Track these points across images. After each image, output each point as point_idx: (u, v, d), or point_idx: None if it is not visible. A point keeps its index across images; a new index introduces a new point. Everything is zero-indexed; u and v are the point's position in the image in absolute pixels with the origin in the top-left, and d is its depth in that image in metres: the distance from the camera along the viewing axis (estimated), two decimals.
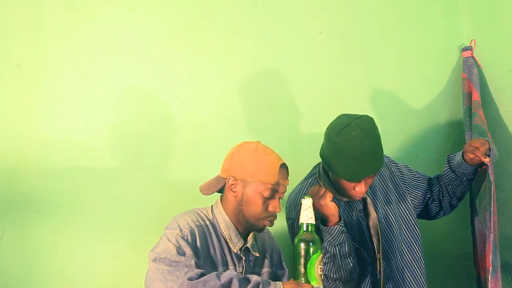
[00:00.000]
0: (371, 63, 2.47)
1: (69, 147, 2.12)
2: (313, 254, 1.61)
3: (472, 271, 2.27)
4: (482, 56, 2.43)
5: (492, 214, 1.91)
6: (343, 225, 1.81)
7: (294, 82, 2.38)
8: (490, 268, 1.85)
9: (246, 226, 1.74)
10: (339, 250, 1.80)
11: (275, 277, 1.86)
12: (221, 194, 1.80)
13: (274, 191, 1.70)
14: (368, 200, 1.94)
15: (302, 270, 1.60)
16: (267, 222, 1.72)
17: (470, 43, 2.47)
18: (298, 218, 1.82)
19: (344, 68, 2.44)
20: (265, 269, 1.81)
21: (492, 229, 1.90)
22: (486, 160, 1.90)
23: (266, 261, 1.83)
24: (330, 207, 1.77)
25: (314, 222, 1.65)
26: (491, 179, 1.92)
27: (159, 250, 1.59)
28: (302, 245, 1.61)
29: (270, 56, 2.36)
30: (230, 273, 1.57)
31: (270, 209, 1.70)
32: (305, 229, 1.64)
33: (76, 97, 2.14)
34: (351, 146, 1.73)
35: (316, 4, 2.43)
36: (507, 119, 2.29)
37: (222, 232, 1.73)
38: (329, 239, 1.79)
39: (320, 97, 2.40)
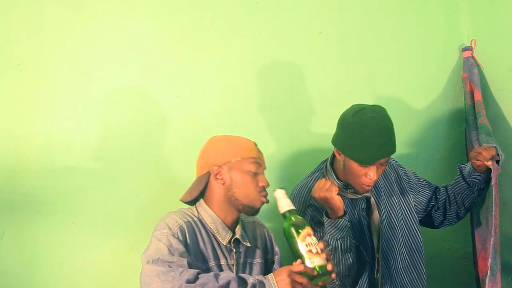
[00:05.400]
0: (371, 63, 2.47)
1: (69, 147, 2.12)
2: (298, 234, 1.61)
3: (472, 271, 2.27)
4: (482, 56, 2.43)
5: (493, 218, 1.91)
6: (347, 219, 1.81)
7: (294, 82, 2.38)
8: (489, 271, 1.85)
9: (243, 210, 1.74)
10: (341, 244, 1.81)
11: (271, 263, 1.86)
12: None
13: (258, 165, 1.73)
14: (372, 200, 1.94)
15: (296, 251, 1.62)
16: (262, 198, 1.72)
17: (470, 43, 2.47)
18: (302, 211, 1.83)
19: (344, 68, 2.44)
20: (257, 260, 1.80)
21: (493, 233, 1.90)
22: (489, 163, 1.91)
23: (258, 251, 1.82)
24: (336, 200, 1.78)
25: (293, 207, 1.66)
26: (492, 183, 1.92)
27: (150, 252, 1.58)
28: (292, 229, 1.61)
29: (270, 56, 2.36)
30: (228, 274, 1.56)
31: (260, 183, 1.72)
32: (288, 216, 1.64)
33: (76, 97, 2.14)
34: (366, 126, 1.76)
35: (316, 4, 2.43)
36: (507, 119, 2.29)
37: (209, 226, 1.73)
38: (332, 232, 1.80)
39: (320, 97, 2.40)
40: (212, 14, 2.30)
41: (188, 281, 1.50)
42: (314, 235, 1.63)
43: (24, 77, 2.10)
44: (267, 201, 1.74)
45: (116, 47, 2.19)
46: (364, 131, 1.77)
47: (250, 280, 1.55)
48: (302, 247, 1.59)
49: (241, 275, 1.59)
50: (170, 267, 1.53)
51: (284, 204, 1.65)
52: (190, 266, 1.57)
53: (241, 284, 1.53)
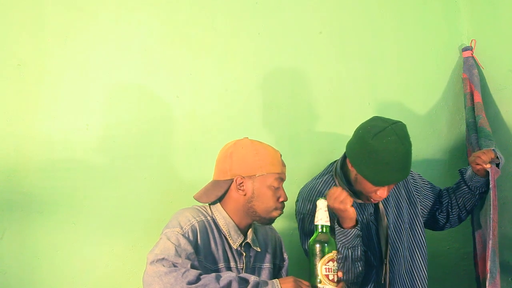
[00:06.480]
0: (371, 63, 2.48)
1: (69, 147, 2.12)
2: (323, 254, 1.61)
3: (472, 271, 2.27)
4: (482, 56, 2.43)
5: (491, 220, 1.91)
6: (359, 229, 1.79)
7: (294, 82, 2.38)
8: (488, 274, 1.85)
9: (259, 221, 1.75)
10: (352, 253, 1.79)
11: (278, 269, 1.86)
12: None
13: (281, 179, 1.74)
14: (380, 205, 1.93)
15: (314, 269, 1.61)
16: (277, 213, 1.73)
17: (470, 43, 2.47)
18: (310, 214, 1.82)
19: (344, 68, 2.44)
20: (267, 265, 1.80)
21: (491, 236, 1.91)
22: (487, 166, 1.92)
23: (268, 256, 1.82)
24: (350, 212, 1.75)
25: (329, 224, 1.65)
26: (490, 186, 1.93)
27: (157, 251, 1.56)
28: (318, 246, 1.61)
29: (270, 56, 2.36)
30: (229, 275, 1.55)
31: (281, 199, 1.73)
32: (320, 230, 1.64)
33: (76, 97, 2.14)
34: (386, 151, 1.73)
35: (316, 4, 2.43)
36: (507, 119, 2.29)
37: (222, 229, 1.72)
38: (343, 241, 1.78)
39: (320, 97, 2.41)
40: (212, 14, 2.30)
41: (190, 283, 1.49)
42: (337, 261, 1.63)
43: (24, 77, 2.10)
44: (279, 216, 1.75)
45: (116, 47, 2.19)
46: (382, 155, 1.73)
47: (252, 278, 1.55)
48: (321, 269, 1.59)
49: (242, 274, 1.59)
50: (175, 266, 1.52)
51: (322, 217, 1.64)
52: (194, 268, 1.56)
53: (242, 283, 1.54)
